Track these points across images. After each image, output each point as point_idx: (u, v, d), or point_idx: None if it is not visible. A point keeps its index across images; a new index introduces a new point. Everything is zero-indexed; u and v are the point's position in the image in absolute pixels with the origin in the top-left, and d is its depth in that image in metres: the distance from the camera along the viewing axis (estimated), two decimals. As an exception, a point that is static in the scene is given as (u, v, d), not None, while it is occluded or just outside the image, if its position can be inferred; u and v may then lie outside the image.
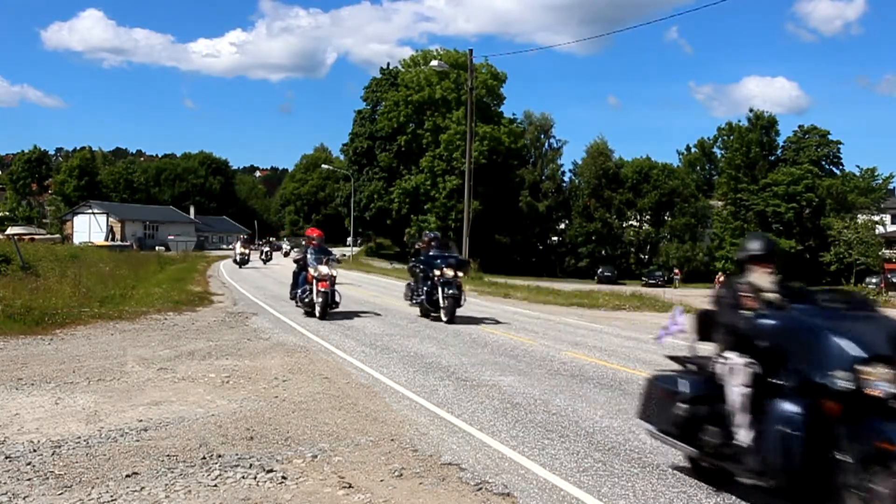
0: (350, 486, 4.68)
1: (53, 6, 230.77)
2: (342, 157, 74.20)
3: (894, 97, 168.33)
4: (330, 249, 15.47)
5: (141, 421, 6.17)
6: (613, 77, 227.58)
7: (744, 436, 4.19)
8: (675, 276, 55.34)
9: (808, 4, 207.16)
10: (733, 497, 4.68)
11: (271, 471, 4.92)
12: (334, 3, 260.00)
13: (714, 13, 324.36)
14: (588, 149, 69.43)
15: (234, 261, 36.41)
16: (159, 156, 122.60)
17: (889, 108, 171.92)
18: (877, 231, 58.28)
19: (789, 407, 3.83)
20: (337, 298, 14.46)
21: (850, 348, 3.66)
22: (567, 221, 68.59)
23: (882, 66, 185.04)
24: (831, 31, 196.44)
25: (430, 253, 14.71)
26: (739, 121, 70.41)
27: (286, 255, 44.45)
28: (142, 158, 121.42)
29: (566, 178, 70.37)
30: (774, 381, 4.03)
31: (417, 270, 14.86)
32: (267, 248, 46.82)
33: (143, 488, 4.55)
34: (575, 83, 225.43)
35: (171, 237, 70.40)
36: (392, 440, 5.78)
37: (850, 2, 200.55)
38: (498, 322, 14.90)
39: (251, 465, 5.04)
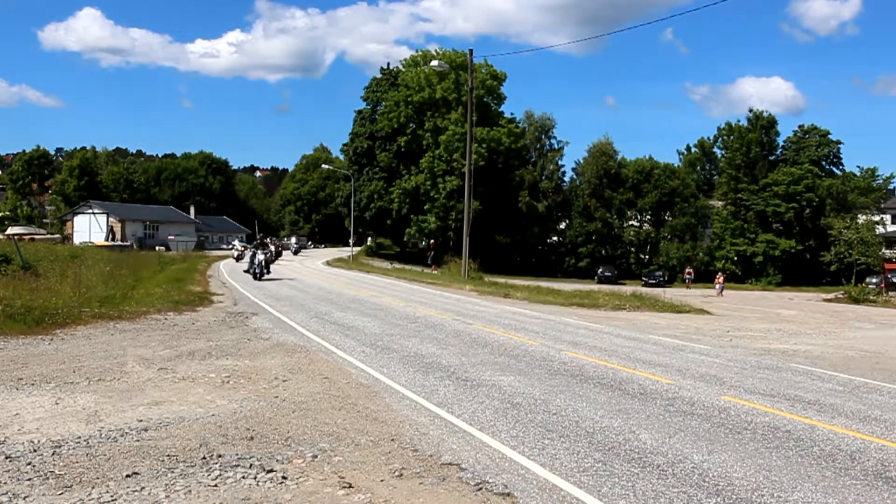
0: (350, 486, 4.68)
1: (50, 6, 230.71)
2: (342, 157, 74.16)
3: (889, 97, 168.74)
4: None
5: (141, 421, 6.17)
6: (611, 77, 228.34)
7: None
8: (688, 276, 52.62)
9: (802, 5, 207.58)
10: (733, 497, 4.68)
11: (271, 471, 4.92)
12: (331, 4, 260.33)
13: (709, 14, 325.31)
14: (591, 148, 69.26)
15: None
16: (159, 156, 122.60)
17: (885, 107, 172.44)
18: (877, 231, 58.23)
19: None
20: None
21: None
22: (567, 221, 68.51)
23: (877, 66, 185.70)
24: (826, 32, 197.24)
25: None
26: (739, 121, 70.44)
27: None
28: (142, 158, 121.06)
29: (566, 179, 70.40)
30: None
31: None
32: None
33: (143, 488, 4.56)
34: (573, 83, 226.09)
35: (172, 237, 70.24)
36: (392, 440, 5.78)
37: (845, 2, 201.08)
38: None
39: (251, 465, 5.04)
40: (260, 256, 26.46)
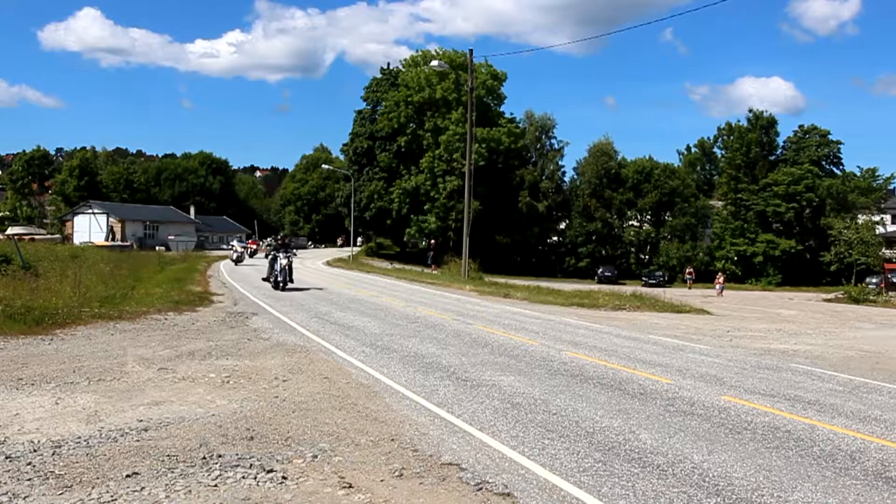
0: (350, 486, 4.68)
1: (50, 6, 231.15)
2: (342, 157, 74.18)
3: (889, 97, 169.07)
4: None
5: (141, 421, 6.17)
6: (611, 77, 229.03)
7: None
8: (689, 277, 52.01)
9: (802, 5, 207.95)
10: (733, 497, 4.68)
11: (271, 471, 4.92)
12: (331, 4, 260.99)
13: (709, 14, 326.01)
14: (591, 148, 69.28)
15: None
16: (159, 156, 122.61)
17: (885, 107, 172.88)
18: (877, 231, 58.25)
19: None
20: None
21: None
22: (567, 221, 68.51)
23: (877, 66, 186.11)
24: (826, 32, 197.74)
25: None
26: (738, 121, 70.49)
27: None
28: (142, 158, 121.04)
29: (566, 179, 70.43)
30: None
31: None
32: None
33: (143, 488, 4.55)
34: (573, 83, 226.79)
35: (172, 237, 70.20)
36: (392, 440, 5.78)
37: (844, 2, 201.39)
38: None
39: (251, 465, 5.04)
40: (282, 261, 21.43)
